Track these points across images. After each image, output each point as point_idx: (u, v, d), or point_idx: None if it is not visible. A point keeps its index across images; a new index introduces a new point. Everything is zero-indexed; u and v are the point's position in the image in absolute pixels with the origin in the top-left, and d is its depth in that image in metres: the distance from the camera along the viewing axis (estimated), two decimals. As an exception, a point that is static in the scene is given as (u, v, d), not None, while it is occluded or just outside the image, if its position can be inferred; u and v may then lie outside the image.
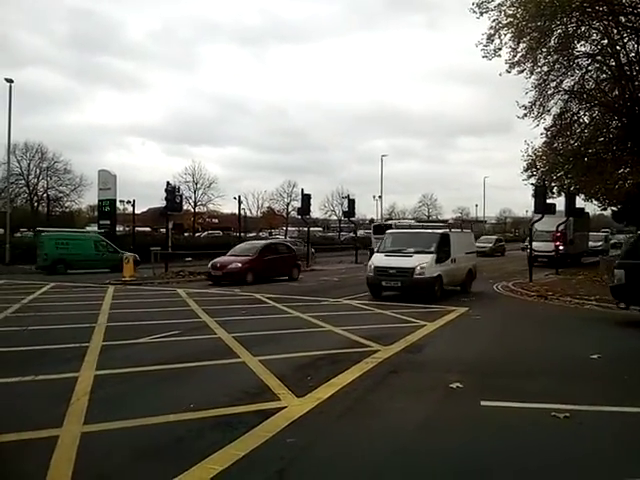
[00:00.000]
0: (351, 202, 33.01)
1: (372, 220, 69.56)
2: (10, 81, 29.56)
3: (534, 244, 23.81)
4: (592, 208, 44.42)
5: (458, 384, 6.14)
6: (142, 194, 79.19)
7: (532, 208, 21.71)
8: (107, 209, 32.11)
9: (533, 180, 24.69)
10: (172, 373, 6.95)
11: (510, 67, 22.35)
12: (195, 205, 61.55)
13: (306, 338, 9.38)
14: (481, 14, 21.39)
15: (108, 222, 31.90)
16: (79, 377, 6.51)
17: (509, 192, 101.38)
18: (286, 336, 9.58)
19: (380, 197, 61.75)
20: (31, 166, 55.94)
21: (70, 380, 6.34)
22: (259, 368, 6.97)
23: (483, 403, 5.51)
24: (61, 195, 57.27)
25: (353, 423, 5.13)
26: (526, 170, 25.36)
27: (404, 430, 4.90)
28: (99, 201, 33.11)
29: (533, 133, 44.09)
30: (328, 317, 11.34)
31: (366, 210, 70.07)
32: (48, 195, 55.95)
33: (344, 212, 35.76)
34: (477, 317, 12.15)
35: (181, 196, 26.71)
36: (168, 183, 23.79)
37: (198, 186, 61.28)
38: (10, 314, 11.97)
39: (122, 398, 5.89)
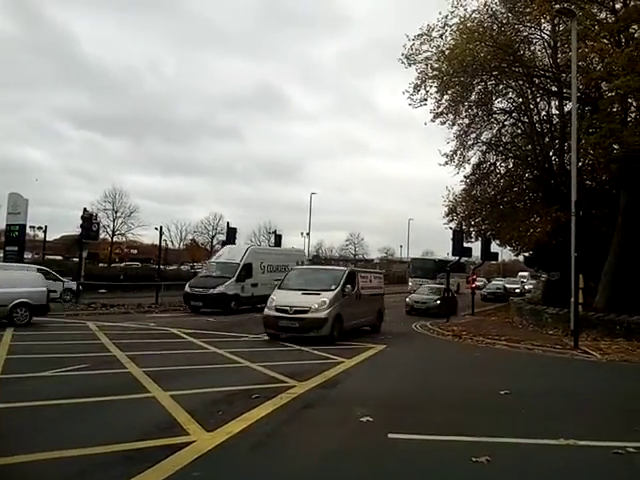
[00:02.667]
0: (278, 237, 33.16)
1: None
2: None
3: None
4: (507, 253, 47.64)
5: (368, 418, 6.26)
6: (59, 220, 75.58)
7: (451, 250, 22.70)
8: (15, 234, 30.24)
9: (453, 224, 25.87)
10: (78, 407, 6.67)
11: (434, 117, 23.71)
12: (113, 234, 59.17)
13: (221, 374, 9.25)
14: (409, 65, 22.67)
15: (15, 249, 30.04)
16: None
17: (431, 234, 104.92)
18: (200, 371, 9.37)
19: (308, 234, 62.36)
20: None
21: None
22: (169, 403, 6.80)
23: (390, 435, 5.65)
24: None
25: (262, 456, 5.12)
26: (447, 215, 26.59)
27: (312, 462, 4.94)
28: (7, 225, 30.96)
29: (455, 180, 46.49)
30: (246, 353, 11.22)
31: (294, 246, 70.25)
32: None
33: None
34: (394, 354, 12.45)
35: (98, 224, 25.75)
36: (85, 210, 22.99)
37: (117, 214, 59.12)
38: None
39: (22, 432, 5.56)
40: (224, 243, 30.49)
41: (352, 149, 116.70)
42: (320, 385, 8.40)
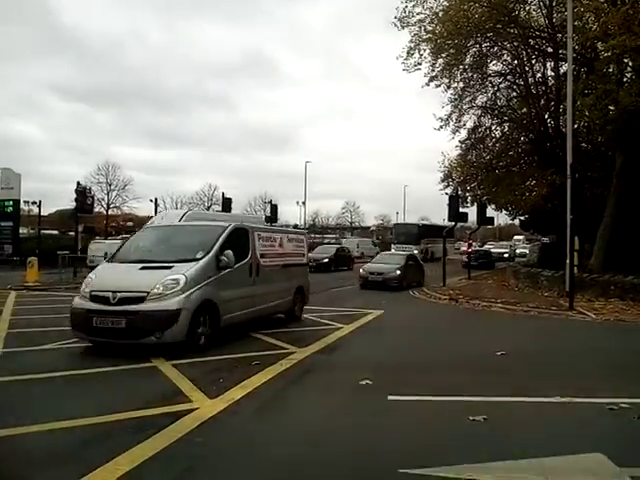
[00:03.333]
0: (274, 207, 33.05)
1: (296, 226, 69.99)
2: None
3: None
4: (503, 218, 47.48)
5: (367, 381, 6.37)
6: (50, 194, 75.17)
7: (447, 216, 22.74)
8: (9, 210, 30.19)
9: (449, 190, 25.87)
10: (80, 379, 6.76)
11: (429, 81, 23.44)
12: (108, 207, 59.02)
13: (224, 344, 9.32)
14: (402, 27, 22.27)
15: (11, 224, 30.03)
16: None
17: (426, 201, 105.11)
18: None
19: (304, 203, 62.24)
20: None
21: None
22: (172, 372, 6.90)
23: (390, 397, 5.77)
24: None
25: (264, 421, 5.21)
26: (443, 180, 26.55)
27: (313, 424, 5.07)
28: (0, 201, 30.97)
29: (450, 145, 46.18)
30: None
31: (290, 216, 70.32)
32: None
33: (267, 217, 35.70)
34: (391, 319, 12.60)
35: (92, 197, 25.64)
36: (78, 183, 22.88)
37: (112, 187, 58.87)
38: None
39: (25, 404, 5.63)
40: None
41: (344, 115, 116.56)
42: (320, 351, 8.53)
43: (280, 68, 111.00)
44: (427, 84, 23.52)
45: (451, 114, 25.13)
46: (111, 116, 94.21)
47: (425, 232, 45.10)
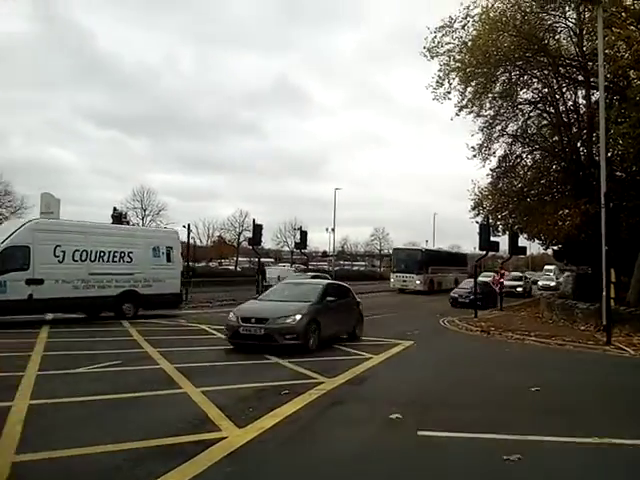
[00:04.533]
0: (303, 234, 33.18)
1: (325, 253, 70.05)
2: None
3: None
4: (536, 247, 45.86)
5: (398, 415, 6.27)
6: (87, 218, 77.16)
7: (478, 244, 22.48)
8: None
9: (480, 218, 25.62)
10: (112, 403, 6.83)
11: (459, 110, 23.50)
12: (142, 232, 60.26)
13: (250, 370, 9.37)
14: (432, 57, 22.50)
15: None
16: (12, 407, 6.30)
17: (458, 228, 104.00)
18: (229, 367, 9.52)
19: (333, 230, 62.32)
20: (-32, 187, 53.70)
21: (2, 409, 6.13)
22: (201, 399, 6.93)
23: (420, 433, 5.66)
24: (0, 217, 54.96)
25: (293, 452, 5.18)
26: (473, 208, 26.34)
27: (341, 458, 4.98)
28: (40, 225, 31.90)
29: (480, 173, 45.81)
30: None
31: (319, 242, 70.49)
32: (-14, 217, 53.64)
33: (296, 244, 35.75)
34: (421, 351, 12.42)
35: (128, 222, 26.23)
36: (115, 209, 23.45)
37: (146, 212, 60.20)
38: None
39: (58, 428, 5.72)
40: (250, 240, 30.74)
41: (373, 143, 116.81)
42: (349, 381, 8.44)
43: (310, 96, 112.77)
44: (457, 114, 23.64)
45: (482, 143, 25.12)
46: (145, 143, 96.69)
47: (431, 259, 39.83)
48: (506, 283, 32.14)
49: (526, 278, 42.95)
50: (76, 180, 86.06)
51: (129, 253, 16.82)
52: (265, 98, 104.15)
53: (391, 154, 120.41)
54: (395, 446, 5.38)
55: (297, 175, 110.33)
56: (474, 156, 25.09)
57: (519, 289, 36.08)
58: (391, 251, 48.86)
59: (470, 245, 66.51)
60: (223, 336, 12.14)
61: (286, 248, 72.79)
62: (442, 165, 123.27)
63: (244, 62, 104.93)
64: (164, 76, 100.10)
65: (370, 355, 10.94)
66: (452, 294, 27.53)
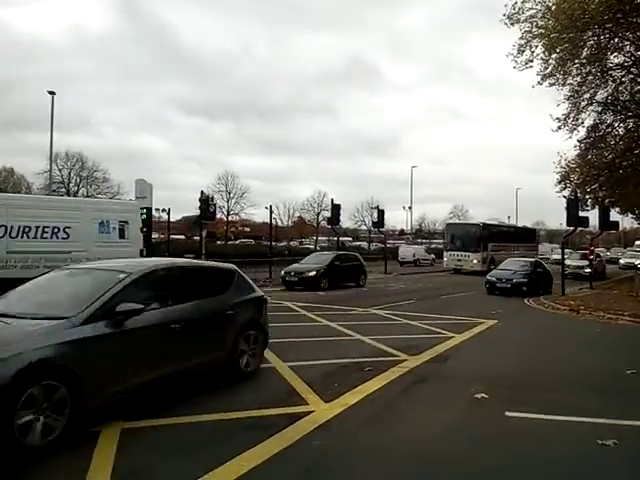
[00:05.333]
0: (380, 212, 33.04)
1: (402, 231, 69.39)
2: (52, 93, 30.88)
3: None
4: (629, 221, 42.71)
5: (483, 394, 6.21)
6: (176, 203, 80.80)
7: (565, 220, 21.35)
8: (143, 217, 32.87)
9: (567, 192, 24.36)
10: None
11: (542, 79, 22.31)
12: (228, 214, 62.77)
13: (334, 346, 9.51)
14: (512, 25, 21.42)
15: (145, 229, 32.67)
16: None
17: (542, 203, 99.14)
18: (314, 344, 9.73)
19: (410, 208, 61.54)
20: (71, 174, 57.89)
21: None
22: (288, 373, 7.18)
23: (508, 413, 5.57)
24: (102, 204, 58.80)
25: (378, 429, 5.26)
26: (560, 182, 25.10)
27: (428, 437, 5.00)
28: (136, 209, 33.94)
29: (567, 145, 43.32)
30: (356, 326, 11.48)
31: (395, 221, 69.86)
32: (87, 203, 57.65)
33: (373, 222, 35.61)
34: (506, 330, 12.12)
35: (215, 205, 27.16)
36: (202, 192, 24.33)
37: (231, 195, 62.59)
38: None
39: (158, 400, 6.09)
40: (329, 220, 31.02)
41: (449, 118, 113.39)
42: (431, 360, 8.42)
43: (382, 73, 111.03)
44: (539, 83, 22.45)
45: (569, 113, 23.71)
46: (226, 128, 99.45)
47: (490, 235, 34.74)
48: (569, 262, 27.99)
49: (598, 256, 33.37)
50: (166, 166, 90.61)
51: (65, 228, 14.16)
52: (337, 78, 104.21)
53: (469, 129, 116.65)
54: (483, 427, 5.33)
55: (372, 154, 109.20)
56: (559, 128, 23.72)
57: (587, 270, 26.78)
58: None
59: (555, 221, 63.64)
60: (307, 312, 12.38)
61: (363, 227, 72.79)
62: (523, 138, 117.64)
63: (316, 43, 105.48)
64: (242, 62, 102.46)
65: (452, 334, 10.82)
66: (489, 277, 21.38)
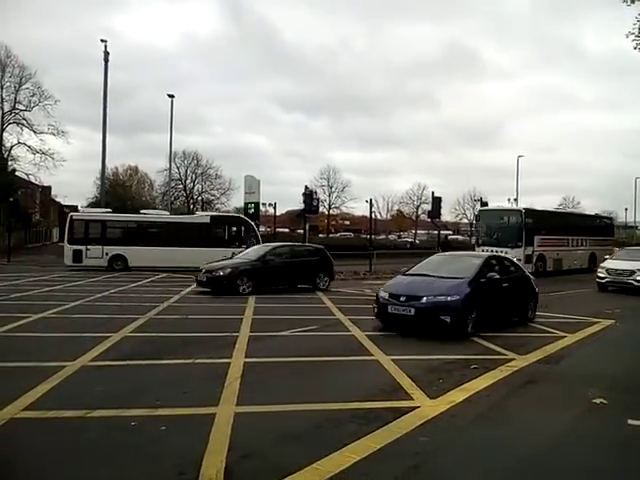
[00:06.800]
0: (484, 205, 31.90)
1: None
2: (172, 96, 33.10)
3: None
4: None
5: (602, 400, 5.85)
6: (280, 197, 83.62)
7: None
8: (252, 211, 34.34)
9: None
10: (310, 365, 7.44)
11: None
12: (329, 208, 63.85)
13: (436, 342, 9.32)
14: (632, 1, 19.64)
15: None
16: (231, 363, 7.22)
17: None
18: (417, 337, 9.57)
19: (515, 200, 58.62)
20: (188, 172, 61.82)
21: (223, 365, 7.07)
22: (392, 367, 7.19)
23: (631, 422, 5.21)
24: (212, 198, 62.61)
25: (486, 429, 5.12)
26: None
27: (537, 442, 4.76)
28: (245, 204, 35.57)
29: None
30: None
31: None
32: (202, 198, 61.49)
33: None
34: (625, 330, 11.28)
35: (318, 199, 27.75)
36: (306, 187, 24.94)
37: (332, 189, 63.66)
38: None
39: (266, 385, 6.40)
40: (429, 213, 30.44)
41: (557, 104, 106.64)
42: (542, 360, 8.02)
43: (484, 60, 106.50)
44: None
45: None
46: (325, 123, 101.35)
47: (538, 225, 25.92)
48: (612, 266, 19.46)
49: None
50: (270, 162, 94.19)
51: None
52: (436, 67, 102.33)
53: (580, 115, 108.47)
54: (601, 435, 5.02)
55: (473, 144, 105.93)
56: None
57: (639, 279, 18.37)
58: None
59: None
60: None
61: (465, 220, 70.64)
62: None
63: (413, 33, 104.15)
64: (340, 56, 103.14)
65: (564, 334, 10.22)
66: (381, 292, 10.85)
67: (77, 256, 24.19)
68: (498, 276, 10.84)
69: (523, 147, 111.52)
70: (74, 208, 39.66)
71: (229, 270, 16.06)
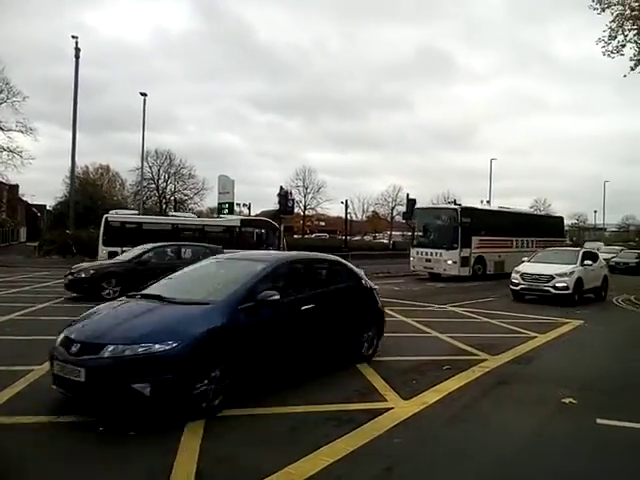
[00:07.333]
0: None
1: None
2: (144, 95, 32.65)
3: None
4: None
5: (571, 399, 5.94)
6: (255, 197, 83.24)
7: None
8: (226, 211, 34.13)
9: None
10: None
11: (635, 64, 20.79)
12: (305, 208, 63.81)
13: (411, 343, 9.41)
14: (602, 10, 20.08)
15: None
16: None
17: (633, 197, 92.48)
18: (390, 340, 9.64)
19: (488, 202, 59.37)
20: (160, 171, 60.95)
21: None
22: (366, 369, 7.18)
23: (599, 421, 5.29)
24: (186, 198, 61.86)
25: (459, 430, 5.15)
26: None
27: (512, 443, 4.82)
28: (219, 204, 35.35)
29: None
30: (433, 323, 11.27)
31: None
32: (175, 198, 60.76)
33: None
34: (593, 331, 11.48)
35: (293, 200, 27.72)
36: (281, 188, 24.86)
37: (308, 190, 63.65)
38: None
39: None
40: (404, 215, 30.61)
41: (530, 108, 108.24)
42: (513, 360, 8.13)
43: (458, 64, 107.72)
44: (632, 69, 20.90)
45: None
46: (299, 123, 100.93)
47: (477, 224, 24.11)
48: (527, 270, 16.52)
49: (588, 260, 17.06)
50: (245, 161, 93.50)
51: None
52: (410, 69, 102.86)
53: (551, 119, 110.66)
54: (572, 434, 5.09)
55: (447, 146, 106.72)
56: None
57: (558, 285, 15.66)
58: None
59: (650, 216, 59.35)
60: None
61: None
62: (612, 128, 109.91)
63: (388, 35, 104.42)
64: (315, 57, 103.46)
65: (535, 334, 10.39)
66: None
67: (112, 258, 23.72)
68: (278, 296, 5.97)
69: (497, 149, 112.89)
70: (42, 207, 38.75)
71: (92, 272, 14.20)
